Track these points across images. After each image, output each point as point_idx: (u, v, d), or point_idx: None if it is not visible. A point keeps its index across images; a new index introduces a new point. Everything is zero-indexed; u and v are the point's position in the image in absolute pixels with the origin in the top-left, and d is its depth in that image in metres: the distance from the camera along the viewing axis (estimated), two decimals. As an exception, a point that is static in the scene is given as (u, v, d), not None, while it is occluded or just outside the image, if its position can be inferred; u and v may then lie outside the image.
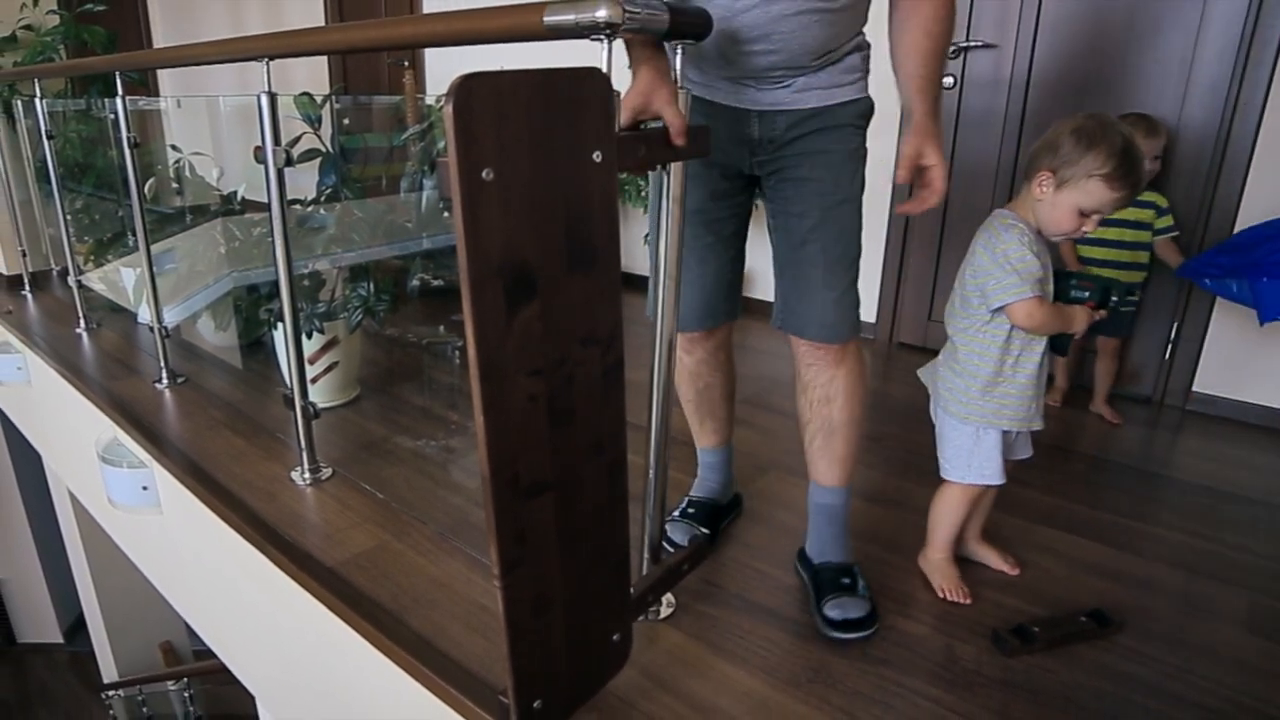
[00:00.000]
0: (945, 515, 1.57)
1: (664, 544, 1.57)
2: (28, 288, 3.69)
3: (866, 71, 1.42)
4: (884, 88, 1.41)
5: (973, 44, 2.66)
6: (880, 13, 1.37)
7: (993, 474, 1.51)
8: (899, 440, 2.19)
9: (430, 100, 3.97)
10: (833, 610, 1.43)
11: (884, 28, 1.36)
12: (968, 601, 1.53)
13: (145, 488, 2.20)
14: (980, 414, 1.49)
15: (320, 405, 1.95)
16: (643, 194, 3.24)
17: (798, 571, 1.62)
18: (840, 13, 1.30)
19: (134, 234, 2.56)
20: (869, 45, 1.41)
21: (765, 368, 1.72)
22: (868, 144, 1.43)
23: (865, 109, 1.41)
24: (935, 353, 1.58)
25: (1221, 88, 2.30)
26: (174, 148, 3.31)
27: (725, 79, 1.38)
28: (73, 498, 4.66)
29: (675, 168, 1.20)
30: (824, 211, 1.38)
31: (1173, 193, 2.40)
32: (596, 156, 0.95)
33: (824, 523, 1.58)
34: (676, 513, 1.68)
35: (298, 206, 2.44)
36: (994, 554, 1.64)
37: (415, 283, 2.87)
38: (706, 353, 1.62)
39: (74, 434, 2.73)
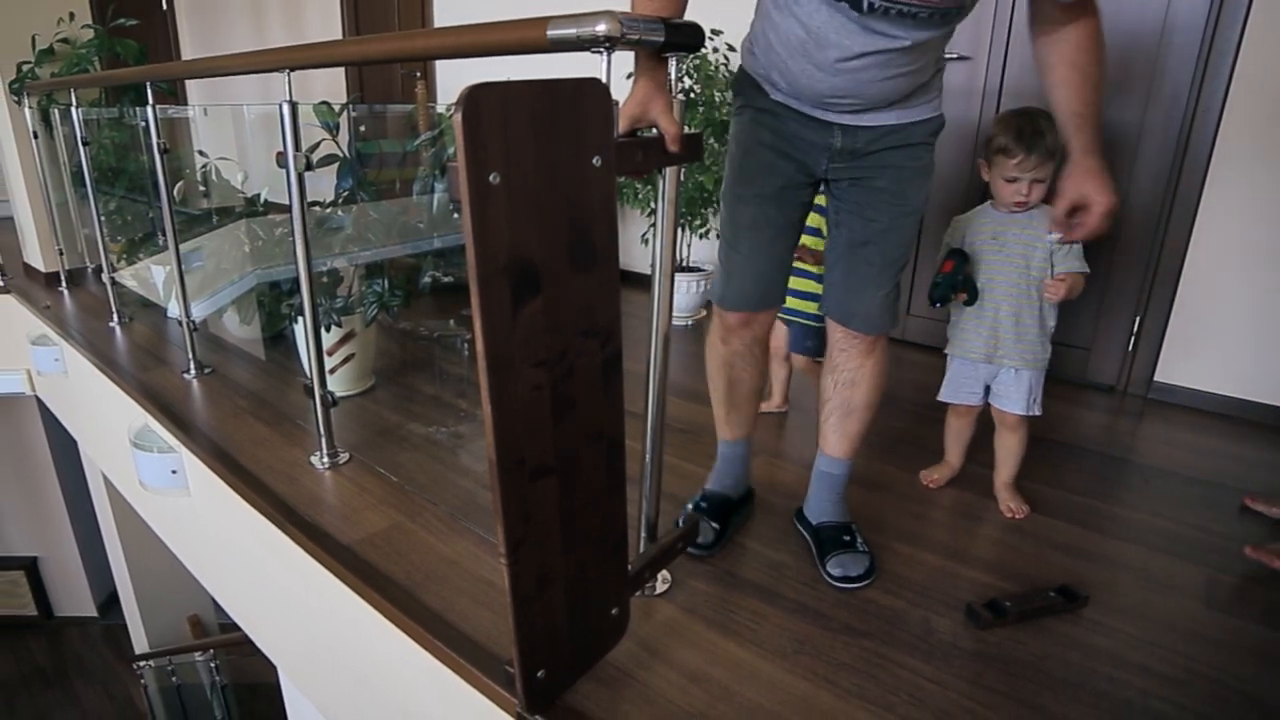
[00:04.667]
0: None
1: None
2: (64, 284, 3.68)
3: (941, 88, 1.39)
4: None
5: (948, 56, 2.65)
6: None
7: (946, 394, 1.82)
8: (879, 427, 2.17)
9: (441, 109, 3.97)
10: (835, 568, 1.49)
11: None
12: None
13: (174, 471, 2.20)
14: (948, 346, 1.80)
15: (338, 394, 1.94)
16: (640, 196, 3.23)
17: (797, 530, 1.65)
18: (923, 67, 1.28)
19: (164, 234, 2.56)
20: (945, 63, 1.36)
21: (755, 360, 1.71)
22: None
23: (938, 126, 1.39)
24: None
25: (1182, 94, 2.29)
26: (201, 153, 3.31)
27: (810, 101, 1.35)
28: (106, 481, 4.66)
29: (670, 172, 1.20)
30: (891, 220, 1.39)
31: (1134, 195, 2.40)
32: (596, 161, 0.95)
33: (826, 488, 1.61)
34: (690, 505, 1.64)
35: (317, 208, 2.44)
36: (1007, 497, 1.78)
37: (427, 280, 2.88)
38: (743, 344, 1.54)
39: (107, 421, 2.73)
